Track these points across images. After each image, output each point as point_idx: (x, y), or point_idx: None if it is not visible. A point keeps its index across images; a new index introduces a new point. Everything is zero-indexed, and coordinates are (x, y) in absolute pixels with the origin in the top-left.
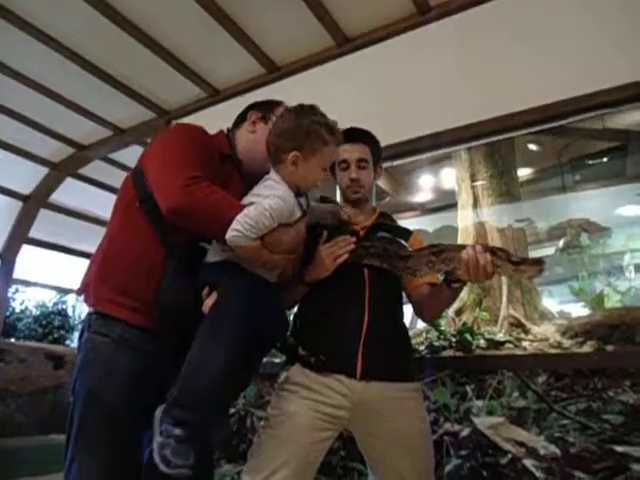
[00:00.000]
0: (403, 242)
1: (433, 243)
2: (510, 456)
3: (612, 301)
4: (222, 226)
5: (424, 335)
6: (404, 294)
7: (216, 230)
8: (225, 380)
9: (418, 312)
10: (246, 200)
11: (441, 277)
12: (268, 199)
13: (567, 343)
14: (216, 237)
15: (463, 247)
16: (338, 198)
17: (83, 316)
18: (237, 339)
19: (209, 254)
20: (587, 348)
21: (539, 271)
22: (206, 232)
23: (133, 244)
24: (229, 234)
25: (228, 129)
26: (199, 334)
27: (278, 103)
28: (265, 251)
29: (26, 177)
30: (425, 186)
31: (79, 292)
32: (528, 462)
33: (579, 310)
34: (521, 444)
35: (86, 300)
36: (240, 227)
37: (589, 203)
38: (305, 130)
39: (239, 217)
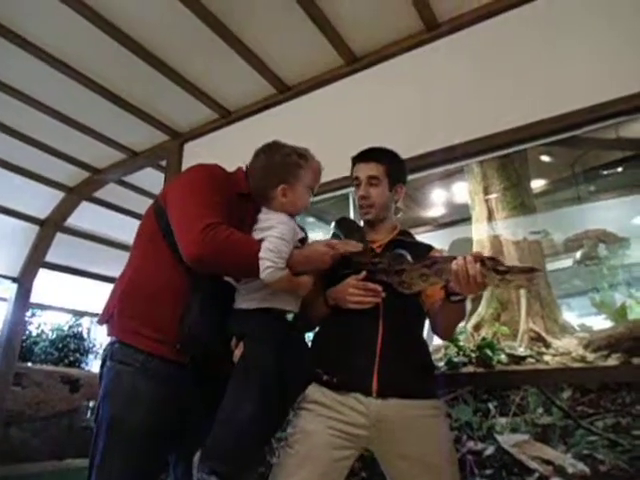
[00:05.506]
0: (409, 257)
1: (428, 255)
2: (537, 475)
3: (635, 313)
4: (244, 264)
5: (443, 351)
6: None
7: (239, 269)
8: (251, 432)
9: (433, 329)
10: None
11: None
12: (274, 229)
13: (591, 357)
14: (241, 275)
15: (455, 258)
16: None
17: (102, 341)
18: (264, 392)
19: (237, 299)
20: (612, 361)
21: (528, 280)
22: (231, 273)
23: (158, 276)
24: (264, 274)
25: (246, 166)
26: (230, 385)
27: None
28: (295, 277)
29: (42, 201)
30: (437, 201)
31: (101, 322)
32: None
33: (600, 323)
34: (548, 462)
35: (109, 330)
36: (269, 262)
37: (605, 213)
38: (280, 163)
39: (262, 254)
